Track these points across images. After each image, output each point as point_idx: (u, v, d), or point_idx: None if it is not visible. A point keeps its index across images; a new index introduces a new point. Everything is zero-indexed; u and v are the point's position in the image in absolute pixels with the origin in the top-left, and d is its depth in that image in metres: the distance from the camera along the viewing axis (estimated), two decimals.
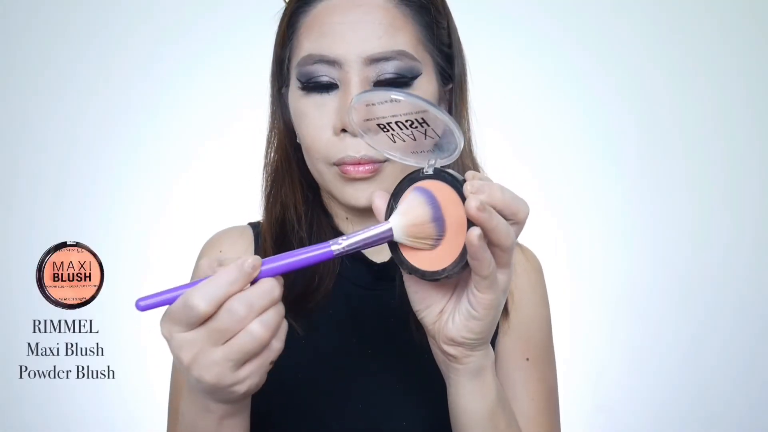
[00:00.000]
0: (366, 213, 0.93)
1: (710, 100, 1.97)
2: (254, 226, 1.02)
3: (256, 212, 1.03)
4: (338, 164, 0.86)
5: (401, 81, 0.85)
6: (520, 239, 1.04)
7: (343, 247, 0.68)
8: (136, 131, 1.91)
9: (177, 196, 1.92)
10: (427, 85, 0.89)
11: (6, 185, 1.90)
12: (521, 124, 1.88)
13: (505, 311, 0.98)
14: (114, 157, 1.91)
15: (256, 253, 0.97)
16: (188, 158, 1.92)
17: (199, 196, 1.91)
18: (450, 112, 0.94)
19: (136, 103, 1.91)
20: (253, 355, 0.66)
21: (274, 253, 0.86)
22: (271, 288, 0.65)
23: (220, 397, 0.70)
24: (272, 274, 0.66)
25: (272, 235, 0.95)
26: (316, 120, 0.87)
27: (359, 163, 0.85)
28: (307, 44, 0.87)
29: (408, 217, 0.68)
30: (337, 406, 0.90)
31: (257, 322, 0.65)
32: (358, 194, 0.87)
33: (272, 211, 0.97)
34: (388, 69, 0.85)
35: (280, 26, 0.93)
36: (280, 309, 0.67)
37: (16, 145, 1.89)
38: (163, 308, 0.69)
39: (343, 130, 0.85)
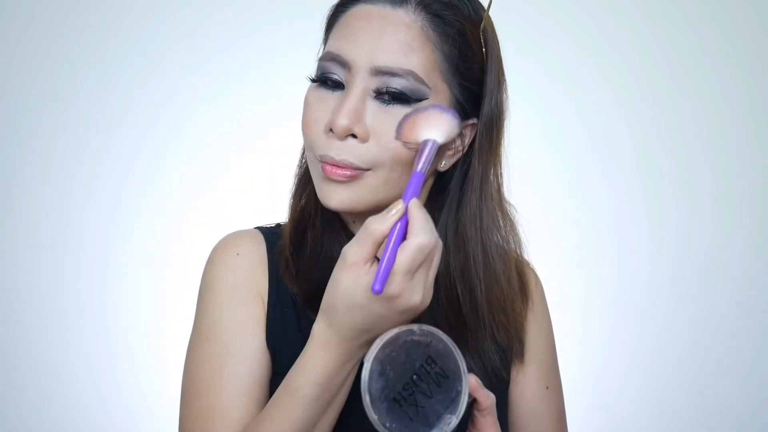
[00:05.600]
0: (359, 216, 0.93)
1: (705, 101, 1.97)
2: (261, 230, 1.01)
3: (257, 219, 1.03)
4: (321, 160, 0.87)
5: (403, 98, 0.86)
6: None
7: (423, 169, 0.78)
8: (139, 134, 1.92)
9: (179, 200, 1.92)
10: None
11: (8, 185, 1.90)
12: (517, 125, 1.88)
13: (520, 355, 1.01)
14: (117, 161, 1.91)
15: (271, 253, 0.97)
16: (191, 160, 1.93)
17: (200, 201, 1.91)
18: (467, 148, 0.94)
19: (138, 105, 1.92)
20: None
21: (294, 247, 0.95)
22: (420, 205, 0.77)
23: (408, 317, 0.78)
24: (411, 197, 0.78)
25: (293, 221, 0.98)
26: (315, 112, 0.88)
27: (337, 165, 0.86)
28: (331, 42, 0.89)
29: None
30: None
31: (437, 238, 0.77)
32: (331, 195, 0.87)
33: (298, 202, 0.99)
34: (393, 84, 0.85)
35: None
36: None
37: (19, 145, 1.90)
38: None
39: (331, 130, 0.86)
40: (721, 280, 1.96)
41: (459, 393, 0.74)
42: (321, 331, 0.79)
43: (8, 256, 1.88)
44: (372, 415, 0.72)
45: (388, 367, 0.73)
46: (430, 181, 0.95)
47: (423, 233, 0.74)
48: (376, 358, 0.73)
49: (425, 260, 0.75)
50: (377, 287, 0.72)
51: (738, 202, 1.97)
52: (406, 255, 0.74)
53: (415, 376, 0.74)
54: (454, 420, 0.74)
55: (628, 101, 1.97)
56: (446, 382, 0.74)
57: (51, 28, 1.89)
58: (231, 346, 0.91)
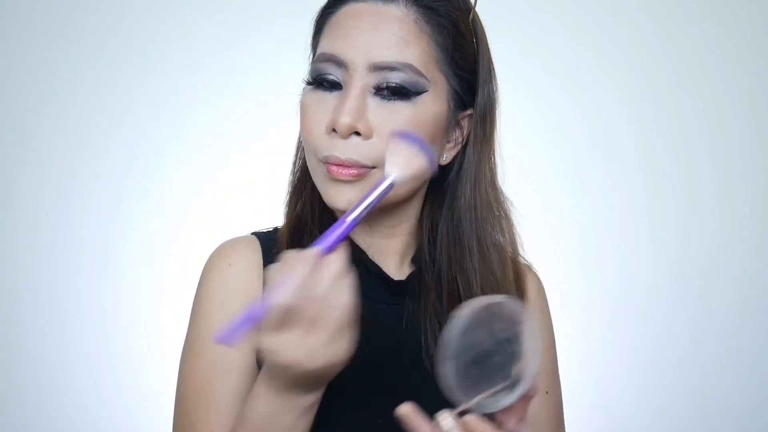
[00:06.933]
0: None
1: (707, 100, 1.97)
2: (258, 235, 1.00)
3: (255, 222, 1.03)
4: (325, 162, 0.87)
5: (403, 92, 0.86)
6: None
7: (357, 215, 0.74)
8: (139, 134, 1.92)
9: (179, 200, 1.92)
10: (432, 104, 0.88)
11: (8, 185, 1.90)
12: (518, 123, 1.88)
13: None
14: (117, 161, 1.91)
15: (267, 260, 0.95)
16: (191, 160, 1.93)
17: (200, 202, 1.91)
18: (466, 139, 0.94)
19: (138, 105, 1.92)
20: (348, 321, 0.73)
21: (290, 247, 0.90)
22: (335, 261, 0.71)
23: (328, 374, 0.74)
24: (327, 251, 0.72)
25: (290, 228, 0.96)
26: (314, 114, 0.88)
27: (342, 165, 0.86)
28: (324, 43, 0.89)
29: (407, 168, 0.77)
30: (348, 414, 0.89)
31: (344, 294, 0.71)
32: (338, 196, 0.87)
33: (293, 210, 0.98)
34: (392, 79, 0.85)
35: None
36: (350, 275, 0.73)
37: (19, 145, 1.90)
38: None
39: (334, 130, 0.86)
40: (721, 280, 1.95)
41: (521, 379, 0.76)
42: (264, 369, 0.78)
43: (8, 256, 1.88)
44: (442, 369, 0.75)
45: (473, 331, 0.75)
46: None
47: (283, 296, 0.69)
48: (465, 316, 0.75)
49: (305, 323, 0.70)
50: (217, 338, 0.70)
51: (739, 202, 1.97)
52: (268, 313, 0.70)
53: (492, 347, 0.76)
54: (507, 401, 0.76)
55: (630, 100, 1.96)
56: (516, 365, 0.76)
57: (51, 28, 1.89)
58: (218, 362, 0.89)
